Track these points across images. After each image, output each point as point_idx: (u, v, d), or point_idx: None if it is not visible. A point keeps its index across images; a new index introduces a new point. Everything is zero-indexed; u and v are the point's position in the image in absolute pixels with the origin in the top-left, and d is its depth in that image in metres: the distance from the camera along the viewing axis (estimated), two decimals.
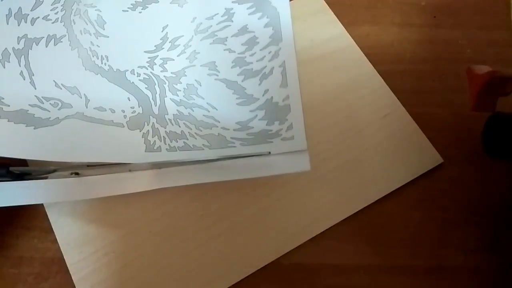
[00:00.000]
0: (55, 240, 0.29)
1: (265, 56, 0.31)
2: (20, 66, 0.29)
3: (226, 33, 0.32)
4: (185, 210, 0.30)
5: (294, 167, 0.28)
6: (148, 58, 0.31)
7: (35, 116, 0.28)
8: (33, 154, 0.27)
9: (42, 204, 0.30)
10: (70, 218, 0.30)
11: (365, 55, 0.35)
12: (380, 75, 0.34)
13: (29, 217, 0.29)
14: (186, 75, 0.31)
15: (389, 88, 0.34)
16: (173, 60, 0.31)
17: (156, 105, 0.30)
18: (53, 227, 0.30)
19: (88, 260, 0.29)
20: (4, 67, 0.29)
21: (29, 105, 0.28)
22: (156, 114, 0.30)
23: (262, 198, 0.31)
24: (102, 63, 0.30)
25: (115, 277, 0.28)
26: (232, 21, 0.32)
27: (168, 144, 0.29)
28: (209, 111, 0.30)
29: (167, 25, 0.32)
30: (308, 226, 0.30)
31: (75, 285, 0.28)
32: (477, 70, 0.27)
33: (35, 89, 0.29)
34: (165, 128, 0.29)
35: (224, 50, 0.31)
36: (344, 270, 0.29)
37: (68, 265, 0.29)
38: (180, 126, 0.29)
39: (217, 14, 0.32)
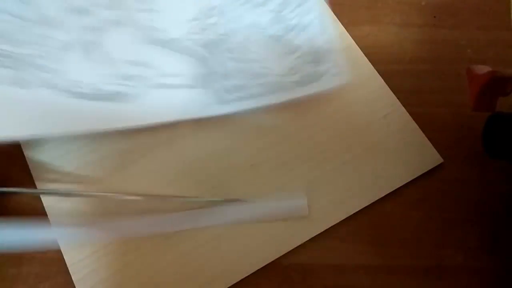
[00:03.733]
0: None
1: (300, 12, 0.35)
2: (94, 53, 0.32)
3: None
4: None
5: (293, 213, 0.30)
6: (199, 24, 0.35)
7: (122, 93, 0.31)
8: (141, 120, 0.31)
9: (42, 204, 0.30)
10: (70, 218, 0.30)
11: (365, 55, 0.35)
12: (380, 75, 0.34)
13: (29, 217, 0.29)
14: (236, 35, 0.35)
15: (389, 88, 0.34)
16: (222, 24, 0.35)
17: (214, 63, 0.33)
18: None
19: (88, 260, 0.29)
20: (86, 55, 0.32)
21: (118, 84, 0.32)
22: (216, 71, 0.33)
23: None
24: (162, 35, 0.34)
25: (115, 277, 0.28)
26: None
27: (235, 95, 0.32)
28: (262, 63, 0.34)
29: None
30: (308, 226, 0.30)
31: (75, 285, 0.28)
32: (477, 70, 0.27)
33: (115, 70, 0.32)
34: (228, 81, 0.33)
35: (264, 11, 0.35)
36: (344, 270, 0.29)
37: (68, 265, 0.29)
38: (240, 79, 0.33)
39: None
